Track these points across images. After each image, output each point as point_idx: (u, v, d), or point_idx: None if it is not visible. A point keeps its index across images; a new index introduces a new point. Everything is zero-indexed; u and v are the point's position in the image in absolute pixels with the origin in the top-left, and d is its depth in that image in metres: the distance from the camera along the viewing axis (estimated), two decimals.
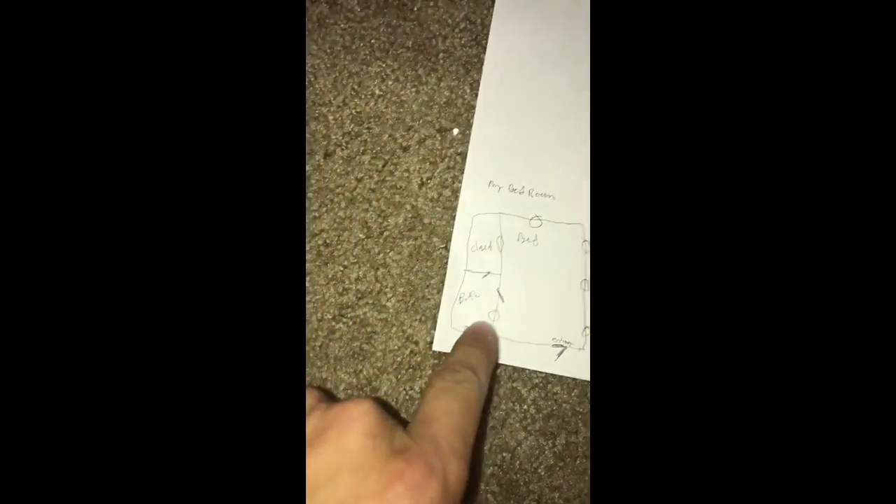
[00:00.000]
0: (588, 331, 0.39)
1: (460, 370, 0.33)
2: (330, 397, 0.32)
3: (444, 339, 0.40)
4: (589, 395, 0.39)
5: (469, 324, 0.39)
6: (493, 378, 0.39)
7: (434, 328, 0.40)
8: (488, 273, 0.40)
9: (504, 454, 0.40)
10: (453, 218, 0.40)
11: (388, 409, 0.30)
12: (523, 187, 0.40)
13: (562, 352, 0.39)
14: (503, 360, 0.39)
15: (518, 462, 0.40)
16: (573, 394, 0.40)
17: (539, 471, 0.40)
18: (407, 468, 0.27)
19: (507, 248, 0.40)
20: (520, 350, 0.39)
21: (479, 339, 0.37)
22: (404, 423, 0.30)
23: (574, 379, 0.40)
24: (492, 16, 0.41)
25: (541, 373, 0.40)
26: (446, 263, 0.40)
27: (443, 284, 0.40)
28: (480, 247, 0.40)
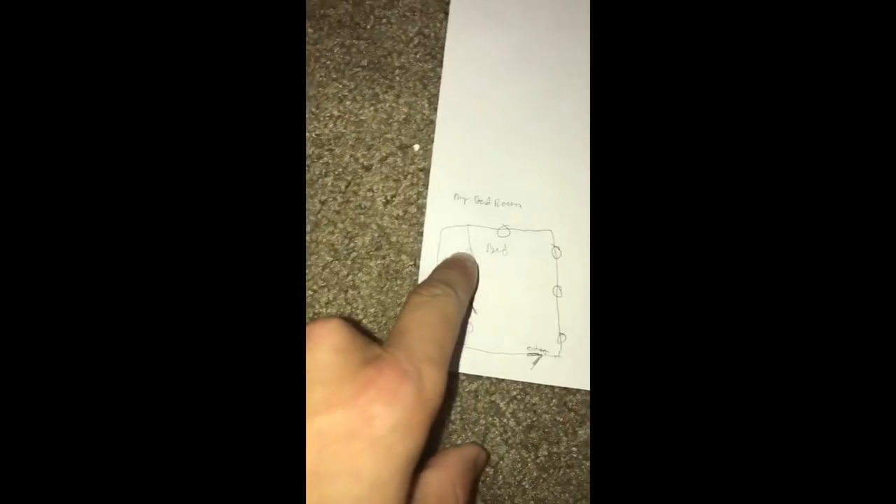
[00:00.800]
0: (563, 338, 0.39)
1: (437, 286, 0.33)
2: None
3: None
4: (567, 403, 0.39)
5: None
6: (471, 303, 0.39)
7: None
8: None
9: (487, 469, 0.39)
10: (420, 234, 0.40)
11: (360, 329, 0.29)
12: (489, 197, 0.40)
13: (538, 360, 0.39)
14: (478, 372, 0.39)
15: (501, 476, 0.39)
16: (552, 403, 0.39)
17: (523, 484, 0.39)
18: (379, 375, 0.26)
19: (477, 259, 0.39)
20: (495, 361, 0.39)
21: (458, 264, 0.37)
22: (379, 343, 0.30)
23: (552, 388, 0.39)
24: (446, 29, 0.41)
25: (518, 384, 0.39)
26: (416, 281, 0.40)
27: None
28: None
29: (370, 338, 0.29)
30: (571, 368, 0.39)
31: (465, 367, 0.39)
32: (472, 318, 0.39)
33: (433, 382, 0.28)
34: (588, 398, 0.39)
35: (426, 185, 0.40)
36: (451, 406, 0.40)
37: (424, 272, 0.40)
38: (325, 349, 0.27)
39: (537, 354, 0.39)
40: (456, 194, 0.40)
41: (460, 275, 0.36)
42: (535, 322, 0.39)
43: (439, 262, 0.39)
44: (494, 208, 0.40)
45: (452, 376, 0.39)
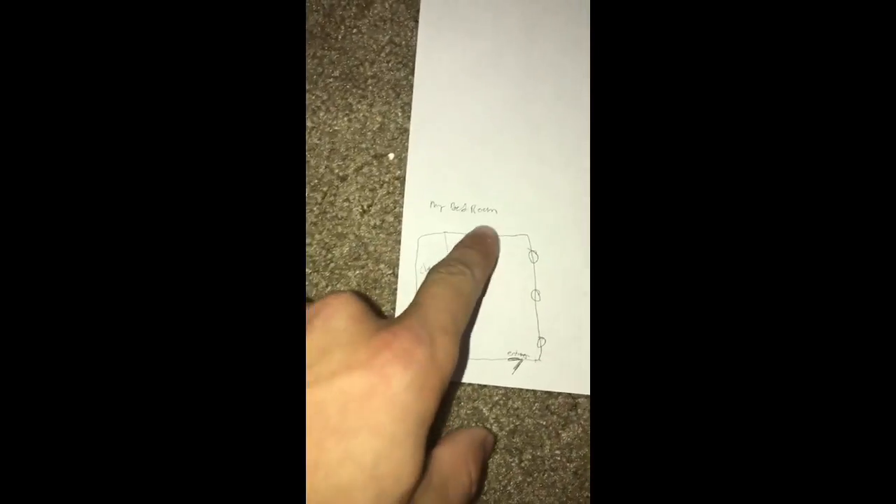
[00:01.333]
0: (543, 341, 0.39)
1: (454, 265, 0.34)
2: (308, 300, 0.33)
3: None
4: (549, 407, 0.39)
5: None
6: (488, 283, 0.39)
7: None
8: None
9: None
10: (398, 243, 0.40)
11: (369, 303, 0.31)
12: (465, 204, 0.40)
13: (518, 364, 0.39)
14: (461, 378, 0.39)
15: (486, 482, 0.39)
16: (534, 407, 0.39)
17: (508, 489, 0.39)
18: (394, 338, 0.28)
19: None
20: (476, 367, 0.39)
21: (478, 240, 0.38)
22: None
23: (533, 392, 0.39)
24: (416, 37, 0.41)
25: (500, 389, 0.39)
26: (395, 290, 0.40)
27: (395, 311, 0.40)
28: (429, 268, 0.40)
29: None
30: (552, 372, 0.39)
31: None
32: None
33: (445, 350, 0.29)
34: (569, 401, 0.39)
35: (402, 194, 0.40)
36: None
37: (403, 281, 0.40)
38: (341, 317, 0.28)
39: (518, 359, 0.39)
40: (432, 202, 0.40)
41: (478, 254, 0.36)
42: (514, 327, 0.39)
43: (417, 270, 0.39)
44: (471, 214, 0.40)
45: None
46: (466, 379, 0.39)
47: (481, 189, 0.40)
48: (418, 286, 0.38)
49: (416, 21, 0.41)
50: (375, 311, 0.30)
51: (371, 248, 0.40)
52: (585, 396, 0.39)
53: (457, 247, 0.38)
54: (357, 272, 0.40)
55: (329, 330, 0.28)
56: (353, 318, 0.29)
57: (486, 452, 0.36)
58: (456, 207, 0.40)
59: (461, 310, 0.32)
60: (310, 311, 0.29)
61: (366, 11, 0.42)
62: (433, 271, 0.33)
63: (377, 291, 0.40)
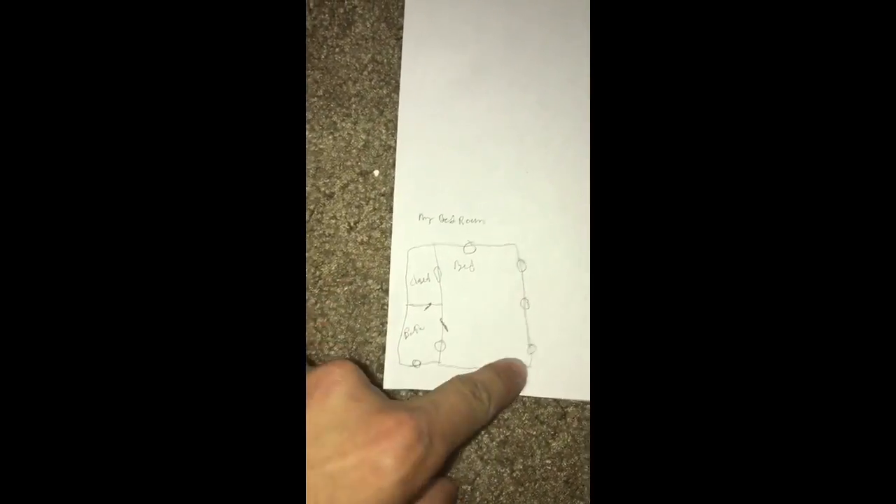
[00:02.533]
0: (533, 349, 0.39)
1: (480, 391, 0.34)
2: (309, 363, 0.33)
3: (394, 377, 0.40)
4: (538, 416, 0.40)
5: (418, 358, 0.39)
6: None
7: (380, 371, 0.40)
8: (430, 304, 0.40)
9: (464, 487, 0.40)
10: (386, 259, 0.41)
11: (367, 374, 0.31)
12: (453, 216, 0.40)
13: None
14: None
15: (479, 493, 0.40)
16: (524, 417, 0.40)
17: (501, 499, 0.39)
18: (397, 429, 0.28)
19: (445, 277, 0.40)
20: None
21: (510, 375, 0.38)
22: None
23: (522, 402, 0.40)
24: (399, 54, 0.42)
25: None
26: (384, 305, 0.40)
27: (384, 326, 0.40)
28: (419, 280, 0.40)
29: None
30: (542, 379, 0.39)
31: (439, 385, 0.39)
32: (444, 336, 0.39)
33: (438, 457, 0.30)
34: (559, 410, 0.40)
35: (389, 210, 0.41)
36: None
37: (394, 294, 0.40)
38: (338, 395, 0.29)
39: None
40: (420, 214, 0.40)
41: (504, 388, 0.37)
42: (504, 335, 0.39)
43: (408, 282, 0.39)
44: (459, 226, 0.40)
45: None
46: None
47: (469, 200, 0.40)
48: (409, 300, 0.39)
49: (398, 39, 0.42)
50: (368, 380, 0.31)
51: (359, 265, 0.41)
52: (575, 404, 0.39)
53: (488, 368, 0.38)
54: (345, 288, 0.41)
55: (326, 409, 0.28)
56: (352, 395, 0.29)
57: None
58: (444, 219, 0.40)
59: (464, 433, 0.33)
60: (310, 379, 0.30)
61: (348, 31, 0.42)
62: (461, 382, 0.34)
63: (365, 307, 0.40)
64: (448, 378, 0.38)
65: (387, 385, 0.39)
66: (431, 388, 0.39)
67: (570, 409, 0.39)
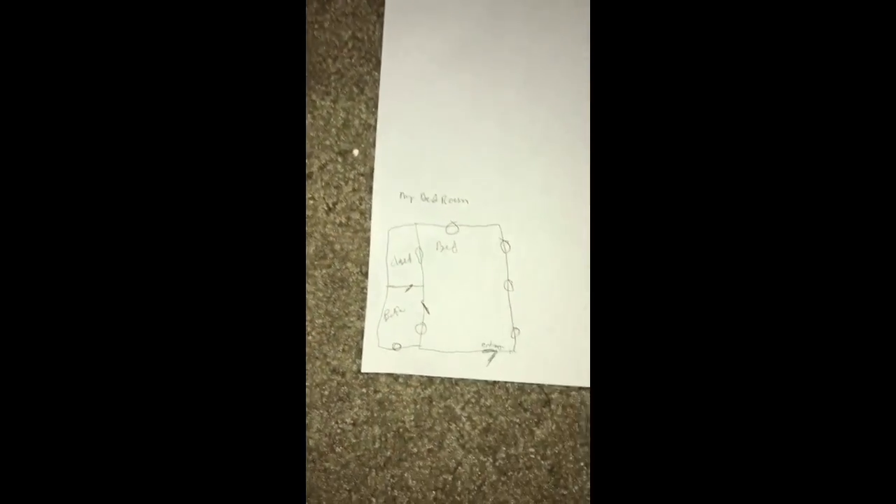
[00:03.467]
0: (517, 332, 0.38)
1: None
2: None
3: (372, 360, 0.38)
4: (522, 403, 0.38)
5: (398, 341, 0.38)
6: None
7: (359, 356, 0.39)
8: (411, 286, 0.39)
9: (445, 476, 0.38)
10: (365, 241, 0.39)
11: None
12: (436, 195, 0.39)
13: (492, 356, 0.38)
14: (434, 373, 0.38)
15: (460, 482, 0.38)
16: (507, 405, 0.39)
17: (483, 488, 0.38)
18: None
19: (427, 258, 0.39)
20: (450, 361, 0.38)
21: None
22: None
23: (506, 389, 0.38)
24: (380, 31, 0.41)
25: (472, 387, 0.39)
26: (364, 289, 0.39)
27: (363, 310, 0.39)
28: (399, 260, 0.39)
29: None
30: (527, 363, 0.38)
31: (421, 369, 0.38)
32: (426, 319, 0.38)
33: None
34: (542, 397, 0.38)
35: (368, 190, 0.40)
36: (405, 414, 0.39)
37: (374, 275, 0.39)
38: None
39: (492, 351, 0.38)
40: (401, 193, 0.39)
41: None
42: (488, 318, 0.38)
43: (388, 263, 0.38)
44: (442, 205, 0.39)
45: (405, 382, 0.39)
46: (439, 373, 0.38)
47: (451, 179, 0.39)
48: (389, 281, 0.38)
49: (379, 15, 0.41)
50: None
51: (337, 247, 0.40)
52: (560, 391, 0.38)
53: None
54: (324, 272, 0.39)
55: None
56: None
57: None
58: (426, 198, 0.39)
59: None
60: None
61: (327, 6, 0.41)
62: None
63: (344, 291, 0.39)
64: (430, 362, 0.37)
65: (365, 368, 0.38)
66: (412, 372, 0.38)
67: (554, 396, 0.38)
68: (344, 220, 0.40)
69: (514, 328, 0.38)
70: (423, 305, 0.38)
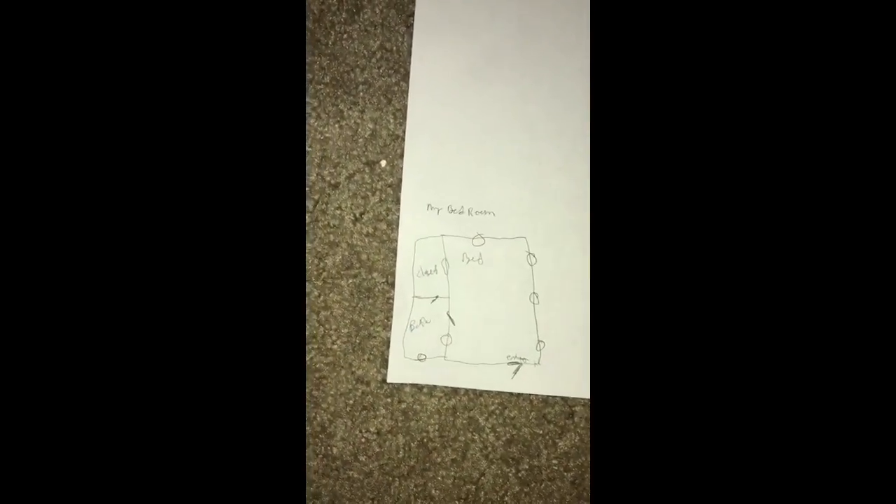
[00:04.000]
0: (542, 345, 0.38)
1: None
2: None
3: (398, 371, 0.39)
4: (546, 415, 0.39)
5: (423, 352, 0.39)
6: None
7: (384, 366, 0.39)
8: (437, 297, 0.39)
9: (468, 486, 0.39)
10: (392, 251, 0.40)
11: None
12: (462, 207, 0.39)
13: (517, 369, 0.38)
14: (459, 384, 0.38)
15: (483, 493, 0.39)
16: (530, 416, 0.39)
17: (506, 499, 0.39)
18: None
19: (453, 269, 0.39)
20: (475, 372, 0.38)
21: None
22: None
23: (530, 401, 0.39)
24: (408, 41, 0.41)
25: (496, 399, 0.39)
26: (389, 299, 0.39)
27: (388, 320, 0.39)
28: (426, 272, 0.39)
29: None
30: (552, 376, 0.38)
31: (445, 380, 0.38)
32: (451, 330, 0.39)
33: None
34: (566, 409, 0.39)
35: (395, 201, 0.40)
36: (429, 424, 0.39)
37: (400, 285, 0.39)
38: None
39: (517, 363, 0.38)
40: (429, 204, 0.39)
41: None
42: (513, 330, 0.39)
43: (414, 274, 0.39)
44: (468, 217, 0.39)
45: (430, 393, 0.39)
46: (465, 384, 0.38)
47: (479, 191, 0.39)
48: (415, 292, 0.38)
49: (407, 26, 0.41)
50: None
51: (364, 257, 0.40)
52: (583, 404, 0.39)
53: None
54: (350, 281, 0.40)
55: None
56: None
57: None
58: (453, 210, 0.39)
59: None
60: None
61: (356, 17, 0.41)
62: None
63: (370, 301, 0.40)
64: (455, 374, 0.38)
65: (391, 379, 0.39)
66: (436, 383, 0.38)
67: (577, 409, 0.39)
68: (371, 230, 0.40)
69: (539, 341, 0.38)
70: (449, 317, 0.39)
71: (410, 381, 0.39)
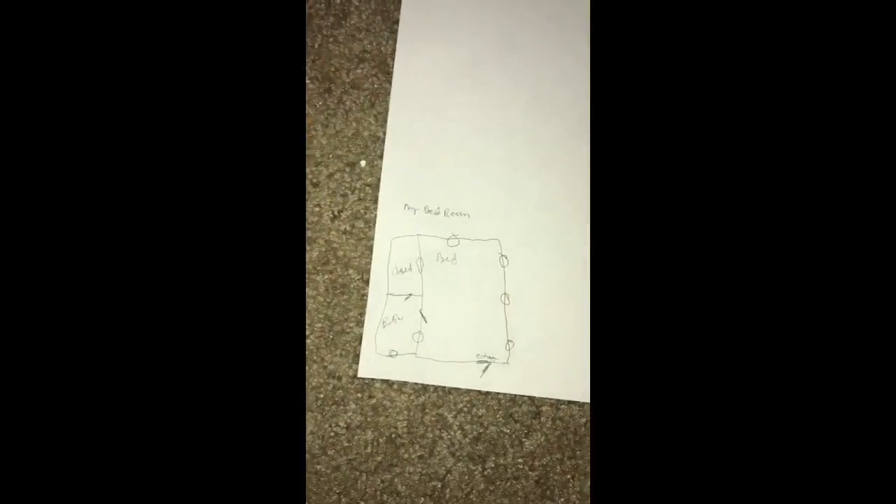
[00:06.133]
0: (511, 345, 0.39)
1: None
2: None
3: (369, 366, 0.39)
4: (512, 414, 0.39)
5: (395, 348, 0.39)
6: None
7: (355, 361, 0.40)
8: (410, 295, 0.40)
9: (434, 483, 0.39)
10: (368, 249, 0.40)
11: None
12: (438, 208, 0.40)
13: (486, 367, 0.39)
14: (429, 381, 0.39)
15: (448, 490, 0.39)
16: (497, 415, 0.39)
17: (471, 497, 0.39)
18: None
19: (427, 268, 0.40)
20: (445, 370, 0.39)
21: None
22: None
23: (497, 400, 0.39)
24: (392, 46, 0.42)
25: (465, 397, 0.39)
26: (364, 296, 0.40)
27: (362, 316, 0.40)
28: (401, 270, 0.40)
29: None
30: (520, 375, 0.39)
31: (415, 377, 0.39)
32: (423, 327, 0.39)
33: None
34: (533, 409, 0.39)
35: (374, 200, 0.41)
36: (398, 420, 0.40)
37: (374, 282, 0.40)
38: None
39: (486, 362, 0.39)
40: (406, 204, 0.40)
41: None
42: (483, 329, 0.39)
43: (389, 271, 0.39)
44: (444, 218, 0.40)
45: (400, 389, 0.40)
46: (434, 381, 0.39)
47: (455, 193, 0.40)
48: (389, 289, 0.39)
49: (392, 32, 0.42)
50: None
51: (340, 253, 0.41)
52: (549, 403, 0.39)
53: None
54: (326, 276, 0.40)
55: None
56: None
57: None
58: (429, 210, 0.40)
59: None
60: None
61: (343, 21, 0.43)
62: None
63: (345, 297, 0.40)
64: (425, 371, 0.38)
65: (362, 373, 0.39)
66: (407, 379, 0.39)
67: (544, 409, 0.39)
68: (348, 228, 0.41)
69: (508, 340, 0.39)
70: (422, 314, 0.39)
71: (381, 377, 0.39)
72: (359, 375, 0.39)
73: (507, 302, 0.39)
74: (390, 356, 0.39)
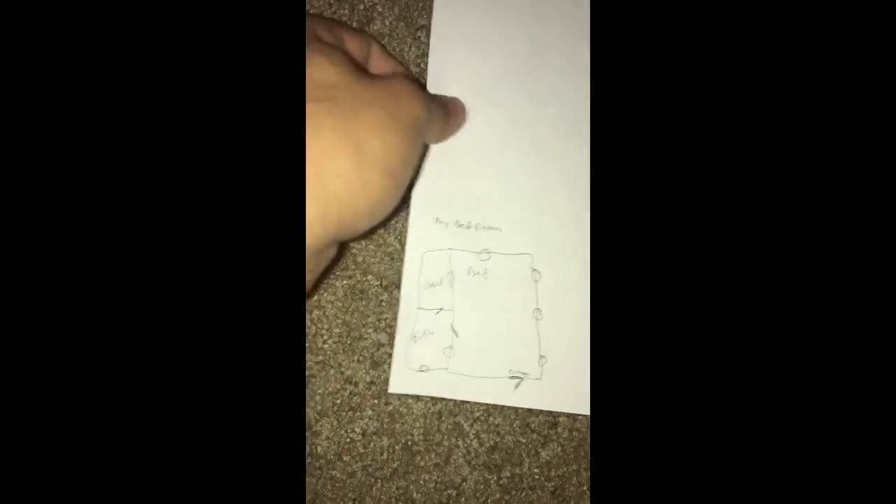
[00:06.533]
0: (544, 360, 0.40)
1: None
2: None
3: (400, 381, 0.39)
4: (529, 424, 0.40)
5: (426, 363, 0.39)
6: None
7: (373, 367, 0.40)
8: (441, 309, 0.40)
9: (449, 491, 0.39)
10: (387, 255, 0.40)
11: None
12: (469, 222, 0.40)
13: (519, 383, 0.39)
14: (461, 396, 0.39)
15: (464, 499, 0.40)
16: (514, 425, 0.40)
17: None
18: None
19: (458, 283, 0.40)
20: (477, 385, 0.39)
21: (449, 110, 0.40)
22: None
23: (514, 409, 0.40)
24: (418, 52, 0.42)
25: (481, 405, 0.40)
26: (382, 302, 0.40)
27: (380, 323, 0.40)
28: (431, 284, 0.40)
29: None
30: (553, 391, 0.40)
31: (447, 392, 0.39)
32: (454, 342, 0.39)
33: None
34: (549, 419, 0.40)
35: (405, 214, 0.41)
36: (414, 427, 0.40)
37: (405, 296, 0.40)
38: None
39: (519, 378, 0.39)
40: (437, 218, 0.40)
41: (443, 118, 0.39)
42: (515, 345, 0.40)
43: (420, 286, 0.40)
44: (475, 232, 0.40)
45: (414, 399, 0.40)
46: (467, 397, 0.39)
47: (486, 207, 0.41)
48: (420, 303, 0.39)
49: (416, 38, 0.42)
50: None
51: (360, 259, 0.40)
52: (567, 415, 0.40)
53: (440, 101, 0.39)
54: (344, 282, 0.40)
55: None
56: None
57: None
58: (461, 225, 0.40)
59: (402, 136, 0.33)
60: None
61: (367, 28, 0.42)
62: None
63: (363, 303, 0.40)
64: (456, 386, 0.39)
65: (392, 389, 0.39)
66: (438, 394, 0.39)
67: (561, 419, 0.40)
68: (378, 241, 0.41)
69: (541, 356, 0.40)
70: (453, 329, 0.39)
71: (413, 392, 0.39)
72: (390, 391, 0.39)
73: (539, 317, 0.40)
74: (421, 371, 0.39)
